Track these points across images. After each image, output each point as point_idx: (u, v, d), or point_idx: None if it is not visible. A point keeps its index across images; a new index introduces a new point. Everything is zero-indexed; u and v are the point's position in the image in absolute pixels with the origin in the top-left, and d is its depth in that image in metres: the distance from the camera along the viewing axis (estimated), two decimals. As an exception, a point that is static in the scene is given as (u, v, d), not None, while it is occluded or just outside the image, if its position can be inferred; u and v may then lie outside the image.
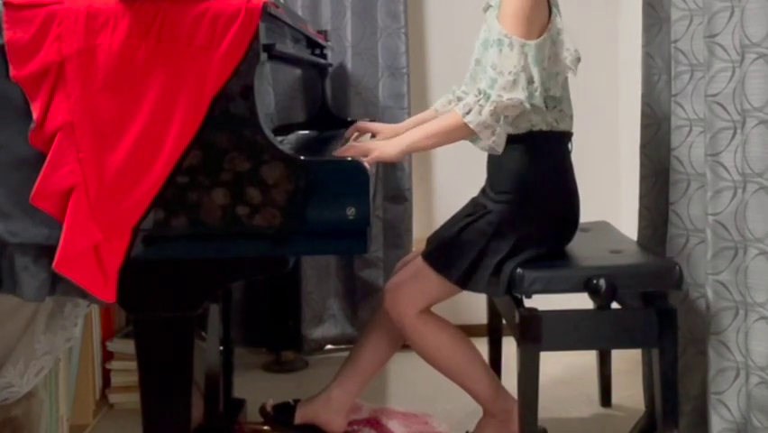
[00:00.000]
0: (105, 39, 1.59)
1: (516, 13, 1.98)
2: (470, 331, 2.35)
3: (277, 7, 1.75)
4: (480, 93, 1.98)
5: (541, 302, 2.06)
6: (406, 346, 2.27)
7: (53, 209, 1.60)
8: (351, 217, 1.60)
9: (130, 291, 1.64)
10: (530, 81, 1.98)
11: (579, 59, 2.09)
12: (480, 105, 1.95)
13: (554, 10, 2.07)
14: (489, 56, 2.00)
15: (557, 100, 2.11)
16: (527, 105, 1.97)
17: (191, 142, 1.59)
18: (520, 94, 1.95)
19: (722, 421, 2.03)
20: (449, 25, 3.28)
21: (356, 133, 2.38)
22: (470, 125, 1.95)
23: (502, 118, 1.97)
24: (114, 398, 2.64)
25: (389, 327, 2.24)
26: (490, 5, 2.12)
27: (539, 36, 2.01)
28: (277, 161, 1.60)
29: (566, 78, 2.13)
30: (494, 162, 2.19)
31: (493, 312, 2.63)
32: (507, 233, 2.09)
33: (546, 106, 2.08)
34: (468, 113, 1.96)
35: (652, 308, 2.08)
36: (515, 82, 1.95)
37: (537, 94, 1.99)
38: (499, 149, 2.00)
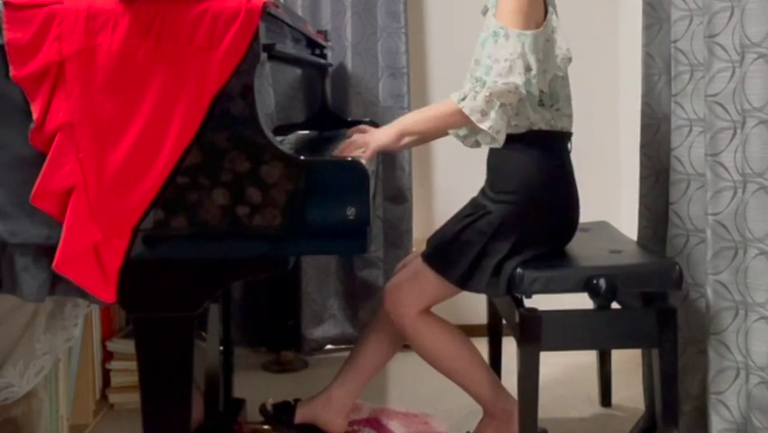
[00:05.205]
0: (105, 39, 1.59)
1: (513, 9, 1.98)
2: (470, 331, 2.35)
3: (277, 7, 1.75)
4: (477, 81, 1.98)
5: (541, 302, 2.06)
6: (406, 346, 2.27)
7: (53, 209, 1.60)
8: (351, 217, 1.60)
9: (130, 291, 1.64)
10: (527, 69, 1.98)
11: (570, 60, 2.09)
12: (476, 92, 1.96)
13: (551, 9, 2.08)
14: (485, 50, 2.01)
15: (553, 98, 2.11)
16: (523, 91, 1.97)
17: (191, 142, 1.59)
18: (517, 78, 1.95)
19: (722, 421, 2.03)
20: (449, 25, 3.28)
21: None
22: (464, 110, 1.95)
23: (498, 105, 1.96)
24: (114, 398, 2.64)
25: (390, 327, 2.24)
26: (488, 8, 2.13)
27: (536, 28, 2.01)
28: (277, 161, 1.60)
29: (566, 77, 2.14)
30: (494, 162, 2.19)
31: (493, 312, 2.63)
32: (506, 233, 2.09)
33: (543, 105, 2.09)
34: (463, 99, 1.97)
35: (652, 308, 2.08)
36: (511, 68, 1.95)
37: (535, 82, 1.99)
38: (499, 138, 1.99)
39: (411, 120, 2.08)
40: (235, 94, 1.60)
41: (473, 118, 1.96)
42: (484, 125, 1.96)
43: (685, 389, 2.21)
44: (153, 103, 1.58)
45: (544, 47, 2.05)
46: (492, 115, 1.96)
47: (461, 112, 1.96)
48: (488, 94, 1.95)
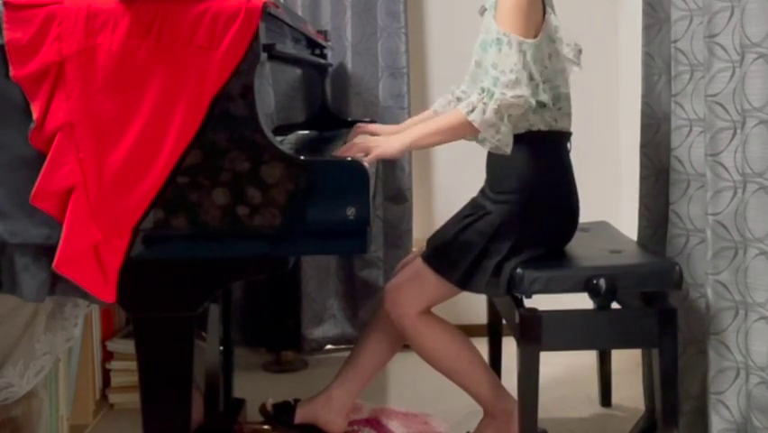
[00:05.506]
0: (105, 39, 1.59)
1: (513, 12, 1.99)
2: (470, 331, 2.35)
3: (277, 7, 1.75)
4: (483, 91, 1.97)
5: (541, 302, 2.06)
6: (406, 346, 2.27)
7: (53, 209, 1.60)
8: (351, 217, 1.60)
9: (130, 291, 1.64)
10: (531, 78, 1.98)
11: (580, 51, 2.10)
12: (484, 104, 1.95)
13: (548, 9, 2.08)
14: (489, 56, 2.01)
15: (555, 98, 2.11)
16: (532, 102, 1.98)
17: (191, 142, 1.59)
18: (524, 90, 1.95)
19: (722, 421, 2.03)
20: (449, 25, 3.28)
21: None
22: (474, 123, 1.95)
23: (506, 117, 1.97)
24: (114, 398, 2.64)
25: (390, 327, 2.23)
26: (486, 8, 2.13)
27: (536, 35, 2.01)
28: (276, 161, 1.60)
29: (566, 76, 2.14)
30: (493, 163, 2.19)
31: (493, 312, 2.63)
32: (506, 233, 2.09)
33: (544, 105, 2.09)
34: (472, 111, 1.96)
35: (652, 308, 2.08)
36: (517, 80, 1.95)
37: (540, 90, 1.99)
38: (507, 149, 1.99)
39: (419, 134, 2.04)
40: (235, 94, 1.60)
41: (486, 134, 1.96)
42: (495, 139, 1.96)
43: (685, 389, 2.21)
44: (153, 103, 1.58)
45: (551, 48, 2.05)
46: (503, 129, 1.96)
47: (470, 124, 1.95)
48: (496, 107, 1.94)
